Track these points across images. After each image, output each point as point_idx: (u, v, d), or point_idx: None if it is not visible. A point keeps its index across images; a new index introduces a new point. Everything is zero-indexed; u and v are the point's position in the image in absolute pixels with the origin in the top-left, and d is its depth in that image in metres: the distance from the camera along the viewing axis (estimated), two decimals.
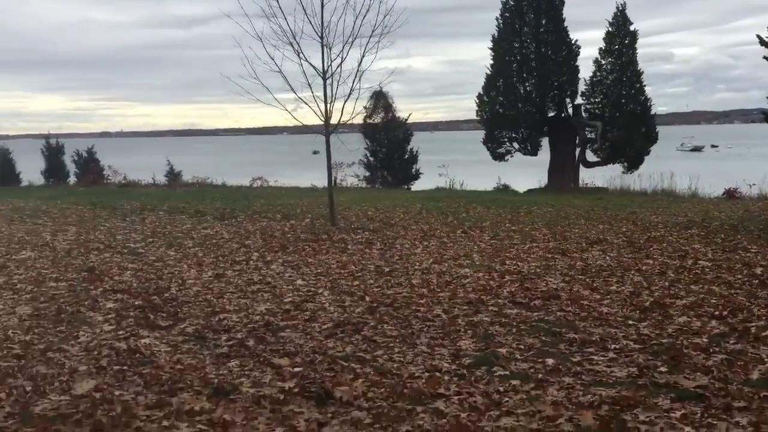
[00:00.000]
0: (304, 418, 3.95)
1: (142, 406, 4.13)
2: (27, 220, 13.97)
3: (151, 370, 4.84)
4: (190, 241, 11.40)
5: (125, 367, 4.92)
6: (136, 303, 6.98)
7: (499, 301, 7.04)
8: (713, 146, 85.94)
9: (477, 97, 24.33)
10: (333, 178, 15.00)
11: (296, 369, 4.85)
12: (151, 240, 11.47)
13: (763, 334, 5.52)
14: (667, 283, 7.68)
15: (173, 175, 27.62)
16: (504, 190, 23.03)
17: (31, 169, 29.64)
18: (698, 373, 4.64)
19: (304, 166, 41.65)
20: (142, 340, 5.63)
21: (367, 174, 27.36)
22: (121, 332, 5.90)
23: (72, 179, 28.86)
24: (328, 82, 12.99)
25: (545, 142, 24.10)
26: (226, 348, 5.47)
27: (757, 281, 7.65)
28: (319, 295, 7.40)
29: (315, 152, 47.17)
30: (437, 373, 4.78)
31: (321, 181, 23.02)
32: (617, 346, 5.38)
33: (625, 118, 22.77)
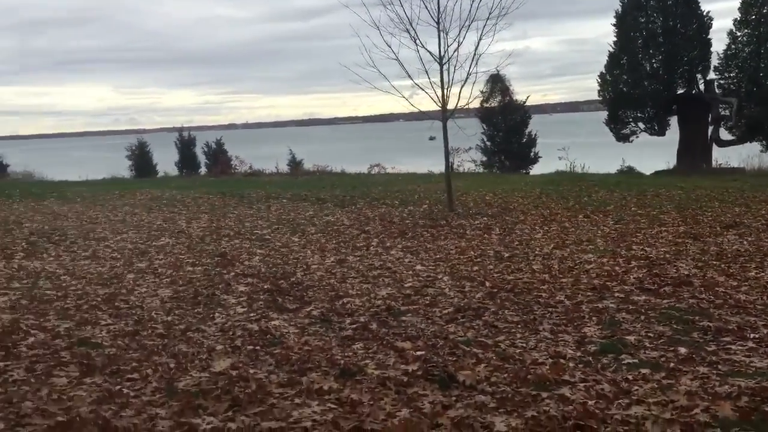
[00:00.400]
0: (429, 401, 4.02)
1: (275, 384, 4.35)
2: (164, 209, 14.93)
3: (281, 350, 5.07)
4: (312, 227, 11.77)
5: (258, 347, 5.18)
6: (265, 287, 7.31)
7: (626, 287, 6.81)
8: None
9: (599, 76, 23.44)
10: (450, 164, 14.97)
11: (419, 352, 4.92)
12: (276, 227, 11.94)
13: None
14: None
15: (295, 163, 28.53)
16: (629, 172, 22.10)
17: (165, 161, 31.58)
18: None
19: (420, 152, 41.82)
20: (272, 322, 5.90)
21: (484, 159, 27.06)
22: (252, 314, 6.21)
23: (203, 169, 30.49)
24: (445, 67, 12.98)
25: (673, 121, 22.85)
26: (350, 331, 5.63)
27: None
28: (439, 281, 7.45)
29: (431, 138, 47.21)
30: (562, 360, 4.71)
31: (437, 167, 23.04)
32: (757, 336, 5.09)
33: (763, 92, 21.16)
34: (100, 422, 3.76)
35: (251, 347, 5.18)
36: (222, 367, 4.68)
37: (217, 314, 6.23)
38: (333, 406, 3.99)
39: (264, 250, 9.65)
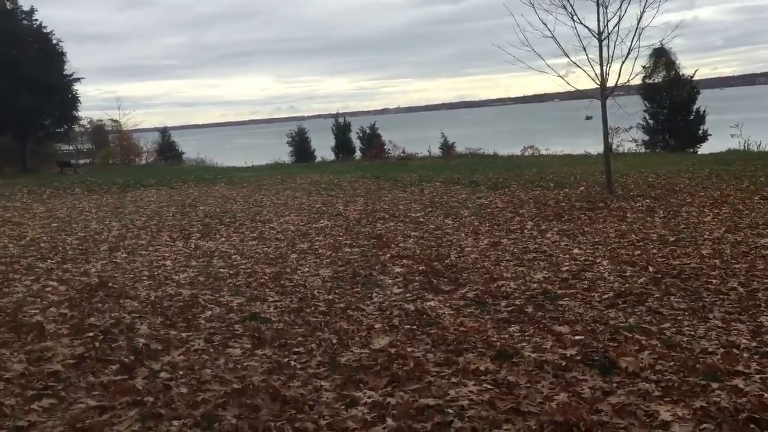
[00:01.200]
0: (588, 386, 3.93)
1: (432, 363, 4.44)
2: (322, 192, 15.57)
3: (437, 330, 5.15)
4: (465, 210, 11.79)
5: (414, 327, 5.30)
6: (420, 268, 7.44)
7: None
8: None
9: None
10: (609, 144, 14.35)
11: (577, 337, 4.82)
12: (429, 209, 12.08)
13: None
14: None
15: (447, 146, 28.64)
16: None
17: (323, 146, 32.84)
18: None
19: (576, 132, 40.44)
20: (428, 303, 6.00)
21: (647, 138, 25.74)
22: (408, 295, 6.35)
23: (357, 154, 31.42)
24: (604, 43, 12.45)
25: None
26: (505, 313, 5.61)
27: None
28: (597, 264, 7.21)
29: (588, 118, 45.51)
30: (734, 350, 4.42)
31: (594, 148, 22.21)
32: None
33: None
34: (271, 391, 4.04)
35: (408, 327, 5.31)
36: (381, 344, 4.85)
37: (374, 294, 6.44)
38: (489, 386, 4.01)
39: (418, 233, 9.81)
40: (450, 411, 3.67)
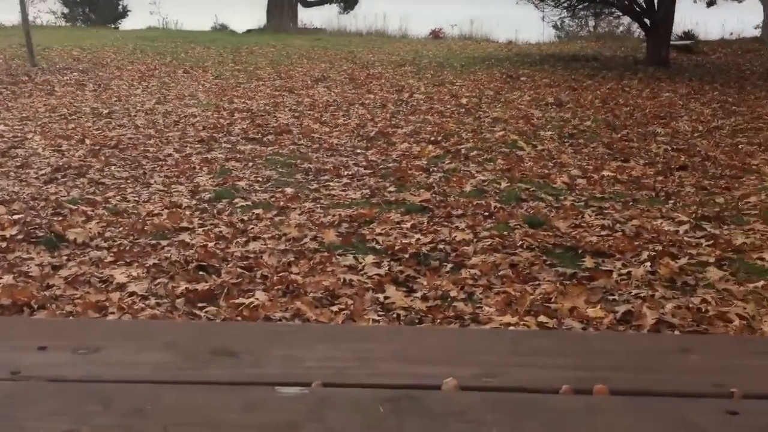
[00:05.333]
0: (36, 263, 3.64)
1: None
2: None
3: None
4: None
5: None
6: None
7: (232, 138, 6.96)
8: None
9: None
10: (26, 13, 13.02)
11: (16, 216, 4.38)
12: None
13: (472, 154, 6.23)
14: (388, 115, 8.19)
15: None
16: (222, 30, 22.09)
17: None
18: (422, 190, 5.13)
19: None
20: None
21: (66, 11, 24.29)
22: None
23: None
24: None
25: None
26: None
27: (463, 110, 8.51)
28: (29, 141, 6.64)
29: None
30: (178, 209, 4.66)
31: (6, 18, 19.97)
32: (350, 173, 5.70)
33: None
34: None
35: None
36: None
37: None
38: None
39: None
40: None
